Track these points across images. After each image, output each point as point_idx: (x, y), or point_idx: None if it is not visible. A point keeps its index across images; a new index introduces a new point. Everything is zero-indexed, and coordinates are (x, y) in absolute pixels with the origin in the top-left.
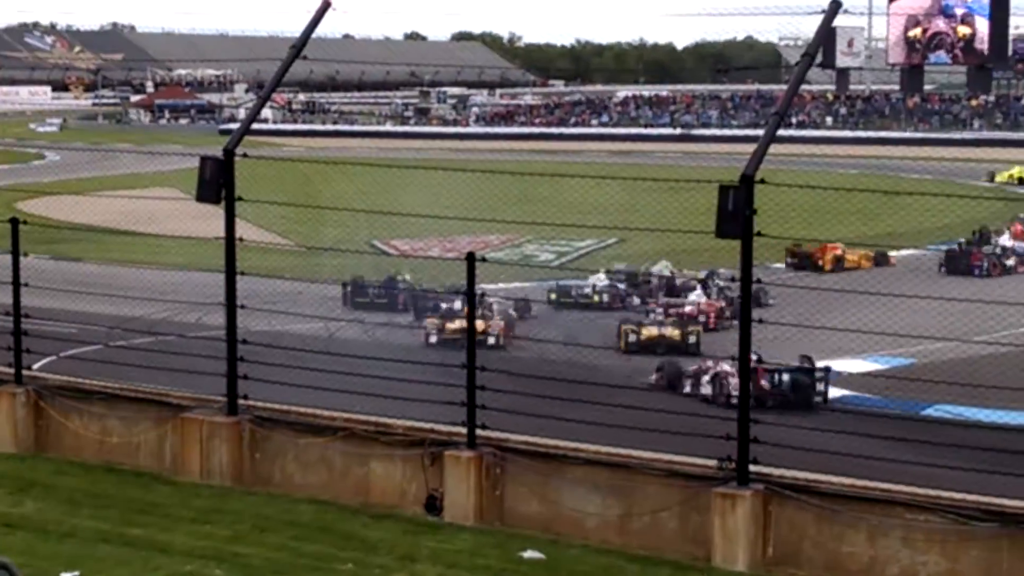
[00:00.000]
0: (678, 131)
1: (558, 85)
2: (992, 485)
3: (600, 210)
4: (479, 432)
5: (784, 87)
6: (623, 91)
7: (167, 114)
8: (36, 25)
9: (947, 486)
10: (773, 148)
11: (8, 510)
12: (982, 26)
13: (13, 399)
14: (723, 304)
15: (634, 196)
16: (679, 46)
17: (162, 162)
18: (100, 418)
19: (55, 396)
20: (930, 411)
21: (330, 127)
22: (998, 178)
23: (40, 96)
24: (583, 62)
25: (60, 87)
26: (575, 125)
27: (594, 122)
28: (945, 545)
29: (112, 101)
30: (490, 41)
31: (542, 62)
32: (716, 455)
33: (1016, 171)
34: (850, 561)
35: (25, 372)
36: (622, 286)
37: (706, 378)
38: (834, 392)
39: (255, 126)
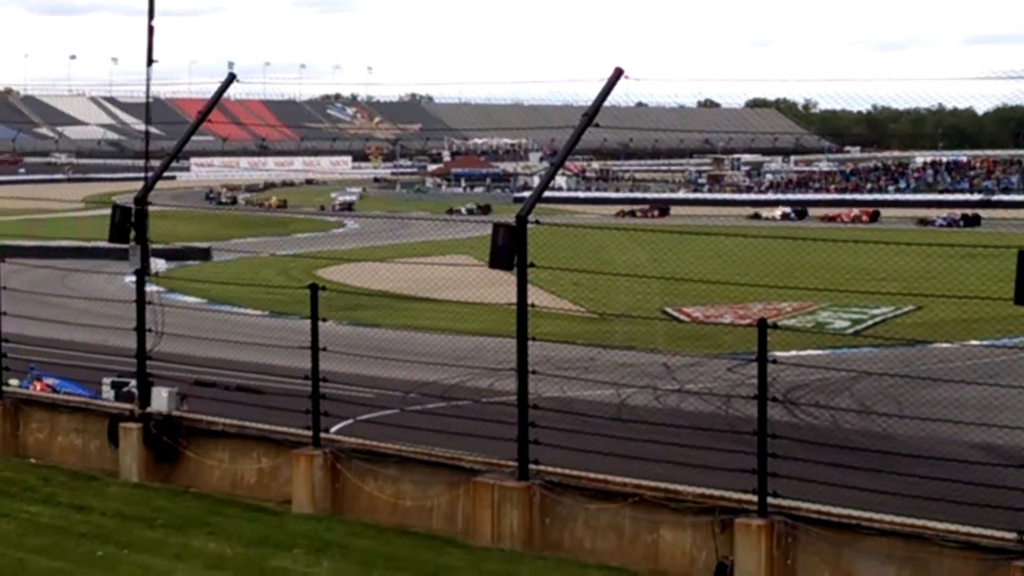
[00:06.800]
0: (978, 197)
1: (854, 151)
2: None
3: (896, 277)
4: (770, 500)
5: None
6: (921, 157)
7: (463, 182)
8: (338, 97)
9: None
10: None
11: (305, 570)
12: None
13: (311, 461)
14: None
15: (931, 262)
16: (979, 111)
17: (457, 230)
18: (394, 481)
19: (351, 459)
20: None
21: (623, 194)
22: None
23: (341, 166)
24: (879, 128)
25: (360, 157)
26: (871, 192)
27: (891, 188)
28: None
29: (410, 170)
30: (785, 108)
31: (838, 128)
32: (1015, 527)
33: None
34: None
35: (323, 435)
36: None
37: None
38: None
39: (548, 193)
